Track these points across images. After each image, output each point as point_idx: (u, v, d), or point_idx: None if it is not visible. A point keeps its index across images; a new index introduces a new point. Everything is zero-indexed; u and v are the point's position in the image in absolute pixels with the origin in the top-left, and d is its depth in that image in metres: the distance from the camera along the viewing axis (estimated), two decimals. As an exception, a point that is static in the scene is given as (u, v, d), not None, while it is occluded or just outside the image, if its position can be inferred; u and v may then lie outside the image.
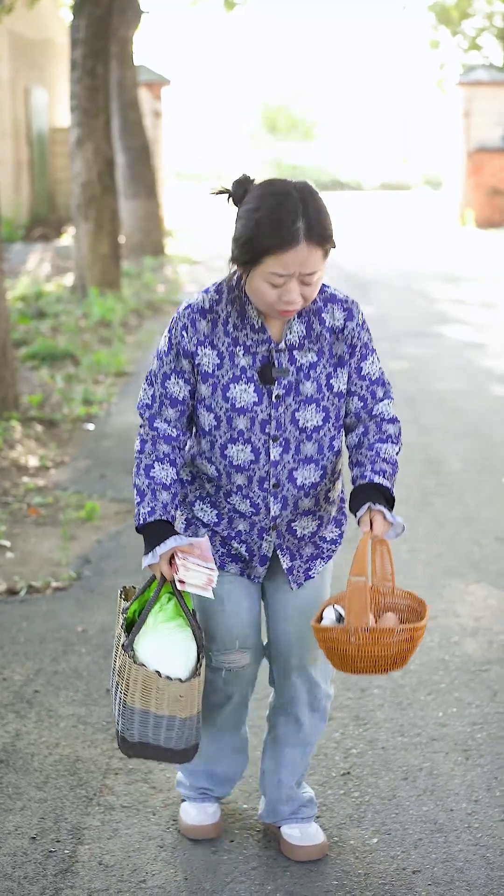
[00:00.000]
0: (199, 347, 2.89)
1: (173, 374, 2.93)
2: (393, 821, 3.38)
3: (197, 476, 3.06)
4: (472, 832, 3.32)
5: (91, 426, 8.10)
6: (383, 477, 2.90)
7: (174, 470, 2.96)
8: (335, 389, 2.95)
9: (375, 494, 2.87)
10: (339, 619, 2.89)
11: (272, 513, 2.98)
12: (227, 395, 2.90)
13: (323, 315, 2.92)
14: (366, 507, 2.85)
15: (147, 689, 2.84)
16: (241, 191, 2.82)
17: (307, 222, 2.70)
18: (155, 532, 2.91)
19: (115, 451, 7.44)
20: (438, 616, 4.84)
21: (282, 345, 2.89)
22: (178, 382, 2.93)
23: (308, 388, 2.92)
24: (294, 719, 3.19)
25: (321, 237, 2.72)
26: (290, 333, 2.90)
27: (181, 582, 2.86)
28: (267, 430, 2.92)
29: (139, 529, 2.95)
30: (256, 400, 2.90)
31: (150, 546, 2.91)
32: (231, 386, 2.90)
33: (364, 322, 2.98)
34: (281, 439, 2.93)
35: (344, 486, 3.16)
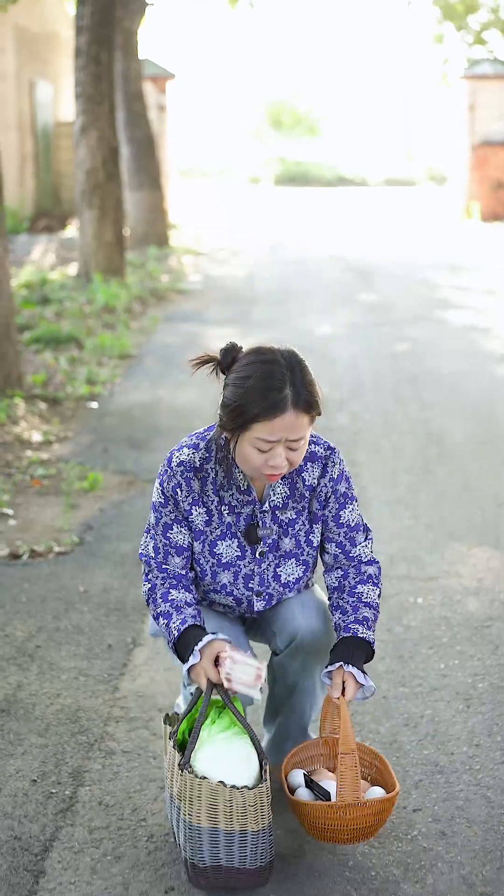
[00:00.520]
0: (193, 507, 2.97)
1: (175, 524, 2.99)
2: (394, 763, 3.38)
3: None
4: (474, 773, 3.32)
5: (94, 404, 8.10)
6: (365, 627, 2.96)
7: (191, 595, 2.99)
8: (313, 544, 3.06)
9: (355, 650, 2.92)
10: (309, 783, 2.95)
11: (256, 608, 3.08)
12: (215, 550, 3.00)
13: (304, 474, 3.00)
14: (338, 665, 2.89)
15: (213, 803, 2.67)
16: (228, 359, 2.88)
17: (294, 390, 2.76)
18: (190, 637, 2.88)
19: (118, 428, 7.45)
20: (440, 577, 4.84)
21: (266, 506, 2.98)
22: (181, 531, 3.00)
23: (287, 543, 3.02)
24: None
25: (307, 404, 2.79)
26: (274, 495, 2.99)
27: (228, 680, 2.75)
28: (251, 586, 3.03)
29: (176, 646, 2.90)
30: (240, 554, 3.00)
31: (187, 650, 2.86)
32: (218, 543, 2.99)
33: (342, 472, 3.04)
34: (264, 594, 3.05)
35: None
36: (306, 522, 3.03)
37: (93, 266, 12.95)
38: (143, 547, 3.06)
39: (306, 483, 3.00)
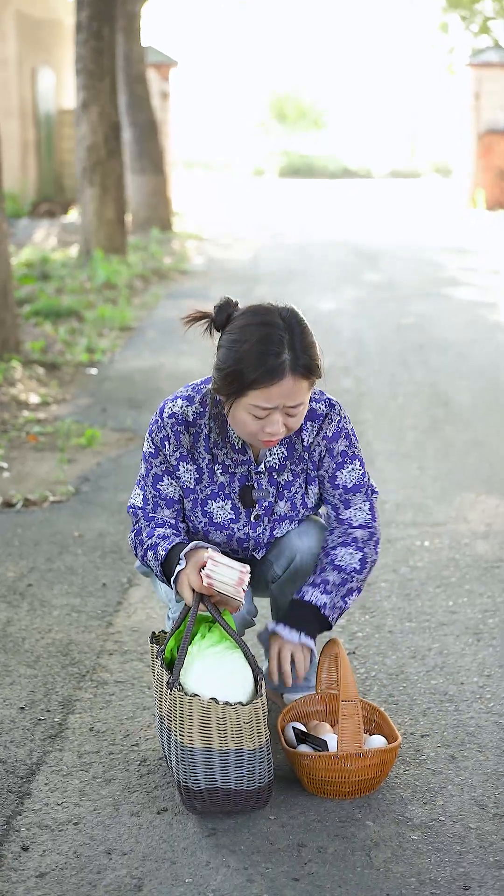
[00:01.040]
0: (180, 463, 2.79)
1: (165, 476, 2.81)
2: (401, 693, 3.21)
3: None
4: (485, 702, 3.15)
5: (94, 370, 7.94)
6: (320, 590, 2.79)
7: (181, 533, 2.82)
8: (309, 505, 2.88)
9: (299, 612, 2.77)
10: (302, 737, 2.78)
11: (258, 557, 2.93)
12: (206, 509, 2.82)
13: (303, 434, 2.81)
14: (270, 627, 2.77)
15: (205, 721, 2.50)
16: (223, 316, 2.67)
17: (293, 354, 2.57)
18: (175, 552, 2.71)
19: (118, 391, 7.29)
20: (448, 522, 4.68)
21: (261, 467, 2.79)
22: (171, 483, 2.82)
23: (282, 507, 2.84)
24: None
25: (307, 369, 2.60)
26: (271, 456, 2.80)
27: (209, 579, 2.56)
28: (245, 546, 2.86)
29: (164, 568, 2.73)
30: (233, 517, 2.82)
31: (174, 566, 2.70)
32: (209, 502, 2.81)
33: (341, 430, 2.83)
34: (261, 548, 2.89)
35: None
36: (302, 484, 2.85)
37: (94, 244, 12.78)
38: (132, 499, 2.88)
39: (305, 443, 2.82)
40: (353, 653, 3.46)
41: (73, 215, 19.04)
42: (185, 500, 2.83)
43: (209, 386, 2.76)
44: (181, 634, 2.69)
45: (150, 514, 2.83)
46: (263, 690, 2.58)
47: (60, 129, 22.09)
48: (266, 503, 2.82)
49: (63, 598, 3.91)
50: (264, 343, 2.56)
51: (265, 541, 2.86)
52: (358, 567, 2.82)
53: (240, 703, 2.52)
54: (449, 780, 2.76)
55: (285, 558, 2.86)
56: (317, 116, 44.35)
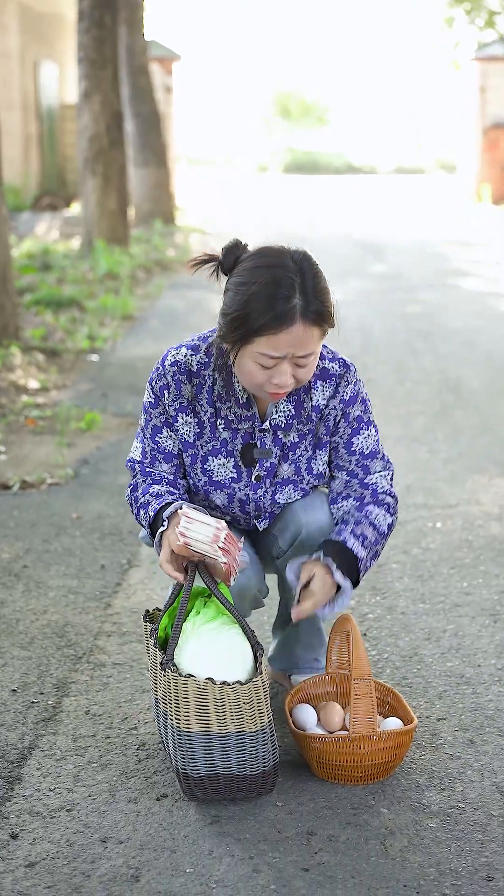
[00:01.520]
0: (179, 414, 2.60)
1: (164, 428, 2.62)
2: (415, 675, 3.04)
3: None
4: None
5: (95, 357, 7.77)
6: (360, 543, 2.56)
7: (178, 492, 2.63)
8: (315, 472, 2.67)
9: (339, 553, 2.54)
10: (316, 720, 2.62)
11: (260, 527, 2.74)
12: (206, 466, 2.63)
13: (314, 393, 2.61)
14: (315, 555, 2.52)
15: (203, 703, 2.32)
16: (231, 259, 2.49)
17: (304, 299, 2.38)
18: (159, 514, 2.53)
19: (119, 377, 7.12)
20: (460, 504, 4.50)
21: (266, 424, 2.60)
22: (170, 436, 2.63)
23: (286, 469, 2.64)
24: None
25: (319, 315, 2.41)
26: (277, 413, 2.61)
27: (183, 537, 2.36)
28: (247, 510, 2.67)
29: (152, 529, 2.54)
30: (235, 476, 2.63)
31: (159, 523, 2.51)
32: (210, 458, 2.62)
33: (357, 393, 2.64)
34: (263, 515, 2.70)
35: None
36: (309, 448, 2.65)
37: (96, 234, 12.61)
38: (131, 453, 2.70)
39: (315, 403, 2.62)
40: (365, 635, 3.29)
41: (75, 209, 18.88)
42: (184, 456, 2.64)
43: (213, 339, 2.59)
44: (175, 611, 2.50)
45: (148, 469, 2.65)
46: (264, 667, 2.40)
47: (63, 124, 21.93)
48: (268, 464, 2.63)
49: (60, 579, 3.74)
50: (273, 286, 2.38)
51: (267, 505, 2.66)
52: (386, 531, 2.64)
53: (238, 682, 2.34)
54: (468, 766, 2.58)
55: (290, 533, 2.67)
56: (321, 113, 44.19)
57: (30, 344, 7.77)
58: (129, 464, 2.69)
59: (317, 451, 2.66)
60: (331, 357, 2.63)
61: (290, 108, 43.64)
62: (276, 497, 2.67)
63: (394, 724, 2.57)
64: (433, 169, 36.84)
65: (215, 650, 2.38)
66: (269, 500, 2.66)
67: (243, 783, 2.40)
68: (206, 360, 2.59)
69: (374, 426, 2.69)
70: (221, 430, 2.61)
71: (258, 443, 2.62)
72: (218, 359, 2.57)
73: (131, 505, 2.65)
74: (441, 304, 10.10)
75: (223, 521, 2.40)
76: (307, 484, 2.68)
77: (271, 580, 2.87)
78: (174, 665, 2.37)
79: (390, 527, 2.65)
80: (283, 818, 2.38)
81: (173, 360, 2.59)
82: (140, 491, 2.61)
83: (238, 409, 2.60)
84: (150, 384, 2.62)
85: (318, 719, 2.64)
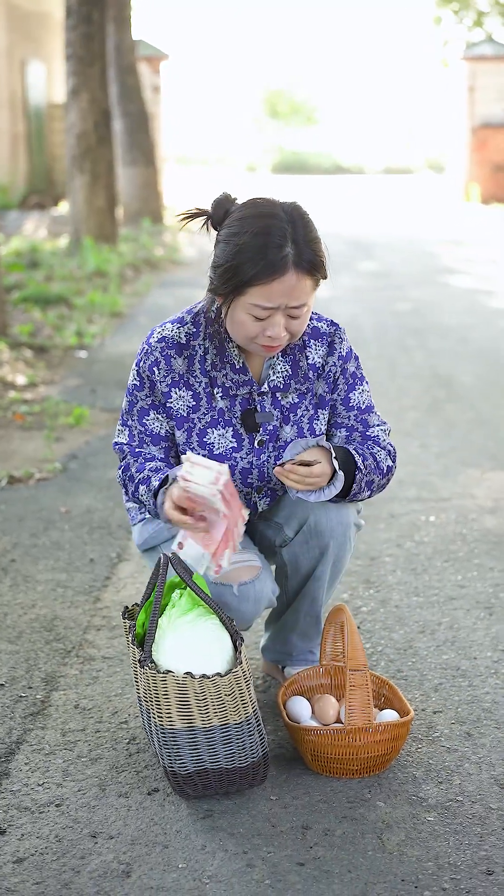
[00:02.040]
0: (172, 389, 2.54)
1: (152, 410, 2.57)
2: (410, 668, 2.99)
3: None
4: (501, 677, 2.93)
5: (83, 353, 7.71)
6: (362, 460, 2.51)
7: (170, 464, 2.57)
8: (317, 432, 2.63)
9: (339, 454, 2.48)
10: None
11: (259, 508, 2.68)
12: (205, 440, 2.56)
13: (308, 352, 2.59)
14: (312, 440, 2.46)
15: (183, 699, 2.26)
16: (221, 212, 2.47)
17: (296, 248, 2.36)
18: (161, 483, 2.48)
19: (107, 373, 7.06)
20: (453, 498, 4.46)
21: (264, 387, 2.56)
22: (157, 418, 2.57)
23: (288, 432, 2.60)
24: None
25: (311, 265, 2.38)
26: (274, 374, 2.57)
27: (185, 482, 2.30)
28: (249, 481, 2.60)
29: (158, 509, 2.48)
30: (236, 446, 2.57)
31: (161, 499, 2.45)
32: (208, 431, 2.56)
33: (350, 351, 2.64)
34: (265, 490, 2.63)
35: None
36: (310, 407, 2.61)
37: (84, 232, 12.53)
38: (117, 436, 2.64)
39: (311, 362, 2.59)
40: (359, 627, 3.24)
41: (63, 208, 18.80)
42: (178, 432, 2.58)
43: (200, 305, 2.54)
44: (151, 606, 2.43)
45: (137, 450, 2.59)
46: (243, 656, 2.33)
47: (51, 123, 21.85)
48: (271, 427, 2.59)
49: (48, 573, 3.68)
50: (265, 235, 2.35)
51: (271, 469, 2.60)
52: (385, 471, 2.60)
53: (218, 674, 2.28)
54: (465, 758, 2.53)
55: (297, 519, 2.61)
56: (310, 113, 44.16)
57: (18, 340, 7.71)
58: (117, 447, 2.63)
59: (318, 410, 2.63)
60: (318, 317, 2.63)
61: (278, 107, 43.60)
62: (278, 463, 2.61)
63: (390, 716, 2.52)
64: (422, 169, 36.84)
65: (193, 643, 2.32)
66: (272, 465, 2.61)
67: (234, 776, 2.34)
68: (195, 329, 2.55)
69: (366, 381, 2.69)
70: (219, 399, 2.56)
71: (258, 407, 2.57)
72: (208, 326, 2.53)
73: (125, 485, 2.59)
74: (431, 302, 10.06)
75: (225, 465, 2.34)
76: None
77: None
78: (152, 662, 2.31)
79: (389, 469, 2.61)
80: (277, 812, 2.32)
81: (160, 336, 2.55)
82: (134, 469, 2.56)
83: (234, 374, 2.55)
84: (137, 366, 2.57)
85: (313, 712, 2.58)
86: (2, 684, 2.90)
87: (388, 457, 2.62)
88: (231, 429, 2.58)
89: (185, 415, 2.56)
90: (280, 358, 2.58)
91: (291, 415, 2.61)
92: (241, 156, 38.34)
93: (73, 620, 3.30)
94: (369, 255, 14.06)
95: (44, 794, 2.39)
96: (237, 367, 2.56)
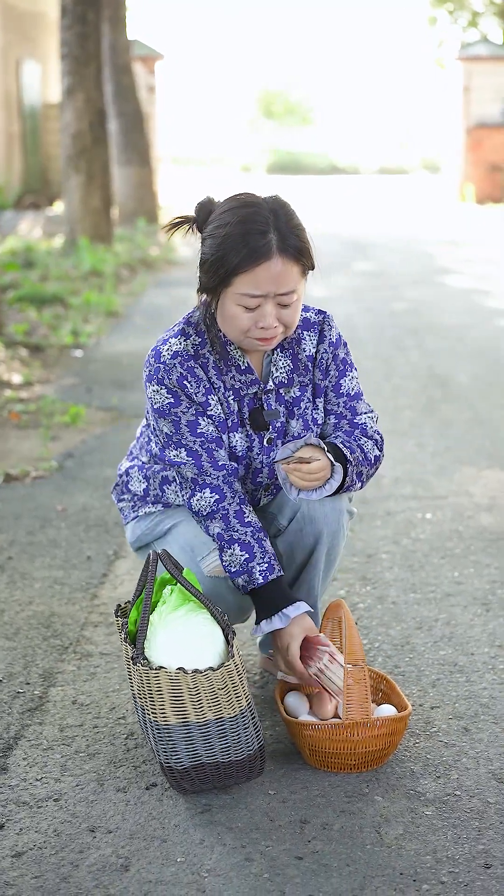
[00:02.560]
0: (208, 396, 2.54)
1: (199, 418, 2.53)
2: (407, 664, 2.99)
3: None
4: (498, 672, 2.93)
5: (79, 352, 7.71)
6: (349, 452, 2.53)
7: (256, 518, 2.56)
8: (318, 422, 2.65)
9: (330, 449, 2.50)
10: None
11: (262, 503, 2.70)
12: (231, 444, 2.58)
13: (303, 344, 2.61)
14: (302, 440, 2.48)
15: (177, 695, 2.26)
16: (205, 214, 2.50)
17: (279, 234, 2.38)
18: (273, 591, 2.48)
19: (103, 372, 7.06)
20: (449, 496, 4.46)
21: (269, 384, 2.58)
22: (208, 422, 2.54)
23: (294, 426, 2.62)
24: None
25: (297, 251, 2.40)
26: (277, 371, 2.58)
27: (319, 675, 2.43)
28: (259, 480, 2.62)
29: (254, 591, 2.49)
30: (249, 445, 2.59)
31: (270, 607, 2.47)
32: (231, 435, 2.58)
33: (339, 337, 2.66)
34: (272, 487, 2.66)
35: None
36: (310, 399, 2.63)
37: (79, 232, 12.53)
38: (173, 457, 2.54)
39: (308, 353, 2.62)
40: (356, 623, 3.23)
41: (58, 208, 18.79)
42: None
43: (197, 312, 2.55)
44: (142, 604, 2.42)
45: (203, 463, 2.52)
46: (236, 650, 2.33)
47: (45, 123, 21.83)
48: (279, 423, 2.61)
49: (45, 570, 3.68)
50: (246, 223, 2.39)
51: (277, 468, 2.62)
52: (373, 461, 2.62)
53: (210, 668, 2.28)
54: (463, 753, 2.53)
55: (290, 508, 2.60)
56: (305, 113, 44.18)
57: (13, 339, 7.71)
58: (174, 464, 2.55)
59: (315, 400, 2.65)
60: (305, 308, 2.65)
61: (273, 107, 43.59)
62: None
63: (387, 711, 2.52)
64: (417, 169, 36.88)
65: (185, 638, 2.32)
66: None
67: (230, 770, 2.34)
68: (199, 339, 2.55)
69: (355, 368, 2.71)
70: (232, 401, 2.57)
71: (264, 405, 2.59)
72: (209, 332, 2.53)
73: (211, 517, 2.51)
74: (428, 301, 10.07)
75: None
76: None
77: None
78: (145, 658, 2.31)
79: (377, 459, 2.63)
80: (275, 807, 2.32)
81: (172, 352, 2.53)
82: (232, 511, 2.50)
83: (240, 375, 2.56)
84: (161, 384, 2.52)
85: (310, 707, 2.59)
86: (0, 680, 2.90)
87: (374, 446, 2.64)
88: (244, 429, 2.59)
89: (224, 420, 2.57)
90: (279, 353, 2.59)
91: (295, 408, 2.63)
92: (236, 156, 38.35)
93: (70, 617, 3.30)
94: (365, 256, 14.07)
95: (42, 788, 2.40)
96: (242, 367, 2.56)
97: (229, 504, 2.52)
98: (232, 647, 2.33)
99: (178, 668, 2.26)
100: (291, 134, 40.80)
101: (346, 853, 2.17)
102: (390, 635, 3.17)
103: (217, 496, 2.52)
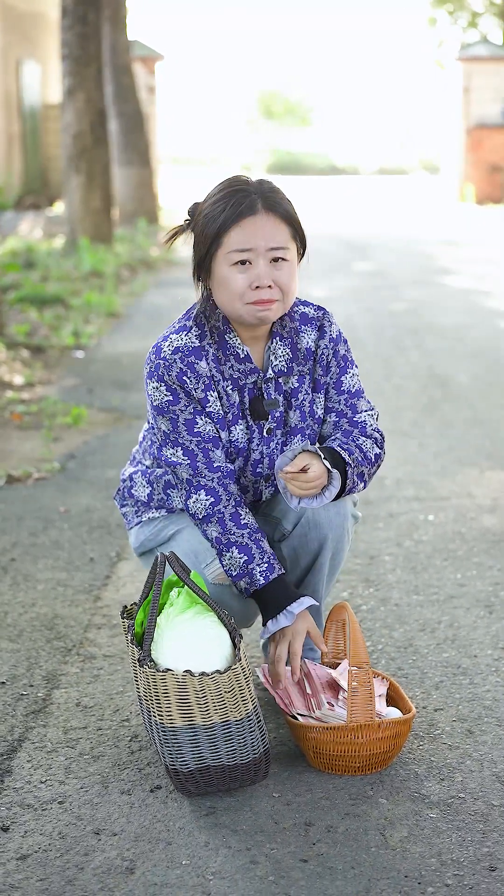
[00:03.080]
0: (207, 393, 2.54)
1: (197, 417, 2.54)
2: (410, 666, 2.99)
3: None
4: (501, 675, 2.94)
5: (80, 353, 7.71)
6: (348, 454, 2.51)
7: (253, 518, 2.56)
8: (316, 415, 2.66)
9: (327, 454, 2.48)
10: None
11: (265, 496, 2.70)
12: (231, 437, 2.59)
13: (302, 335, 2.63)
14: (298, 447, 2.46)
15: (183, 697, 2.26)
16: (196, 213, 2.56)
17: (262, 196, 2.47)
18: (276, 590, 2.48)
19: (105, 373, 7.06)
20: (451, 497, 4.46)
21: (269, 373, 2.58)
22: (206, 422, 2.54)
23: (293, 417, 2.62)
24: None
25: (283, 210, 2.48)
26: (276, 359, 2.59)
27: (322, 717, 2.48)
28: (259, 471, 2.63)
29: (257, 592, 2.49)
30: (249, 437, 2.60)
31: (275, 607, 2.48)
32: (232, 427, 2.59)
33: (339, 334, 2.67)
34: (272, 478, 2.65)
35: None
36: (309, 391, 2.64)
37: (80, 233, 12.54)
38: (169, 457, 2.55)
39: (306, 346, 2.63)
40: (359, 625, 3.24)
41: (58, 208, 18.80)
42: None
43: (196, 309, 2.57)
44: (149, 605, 2.42)
45: (199, 464, 2.53)
46: (242, 653, 2.33)
47: (45, 123, 21.84)
48: (278, 413, 2.61)
49: (48, 572, 3.68)
50: (229, 187, 2.49)
51: (277, 456, 2.62)
52: (373, 459, 2.60)
53: (217, 671, 2.28)
54: (467, 756, 2.54)
55: (294, 512, 2.60)
56: (304, 113, 44.18)
57: (14, 340, 7.71)
58: (172, 464, 2.55)
59: (314, 394, 2.65)
60: (304, 303, 2.66)
61: (273, 107, 43.59)
62: (286, 449, 2.62)
63: (392, 713, 2.52)
64: (416, 170, 36.88)
65: (191, 641, 2.32)
66: (279, 452, 2.62)
67: (235, 773, 2.34)
68: (200, 331, 2.56)
69: (356, 365, 2.72)
70: (231, 391, 2.57)
71: (264, 394, 2.59)
72: (209, 321, 2.55)
73: (211, 515, 2.52)
74: (428, 302, 10.07)
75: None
76: (311, 431, 2.66)
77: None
78: (151, 661, 2.31)
79: (377, 457, 2.62)
80: (279, 809, 2.33)
81: (173, 348, 2.54)
82: (228, 514, 2.50)
83: (239, 364, 2.57)
84: (160, 380, 2.53)
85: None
86: (3, 682, 2.90)
87: (374, 445, 2.63)
88: (245, 421, 2.60)
89: (223, 415, 2.57)
90: (279, 342, 2.60)
91: (293, 399, 2.63)
92: (235, 156, 38.34)
93: (73, 619, 3.30)
94: (365, 256, 14.07)
95: (46, 791, 2.40)
96: (241, 356, 2.57)
97: (224, 507, 2.52)
98: (238, 650, 2.33)
99: (185, 671, 2.26)
100: (291, 134, 40.79)
101: (350, 856, 2.17)
102: (393, 637, 3.17)
103: (212, 499, 2.52)
